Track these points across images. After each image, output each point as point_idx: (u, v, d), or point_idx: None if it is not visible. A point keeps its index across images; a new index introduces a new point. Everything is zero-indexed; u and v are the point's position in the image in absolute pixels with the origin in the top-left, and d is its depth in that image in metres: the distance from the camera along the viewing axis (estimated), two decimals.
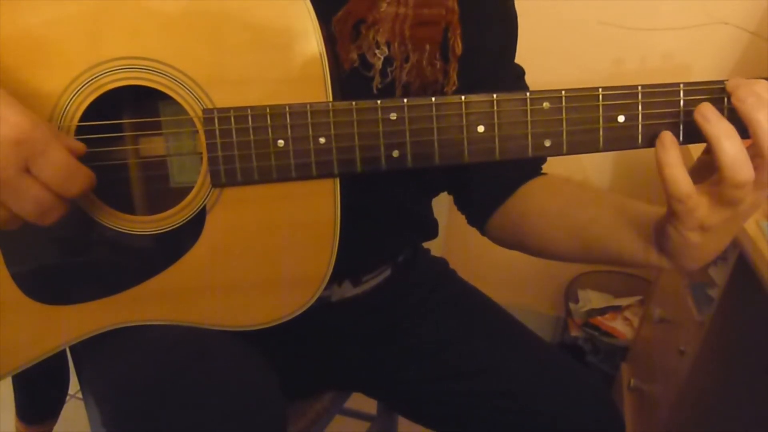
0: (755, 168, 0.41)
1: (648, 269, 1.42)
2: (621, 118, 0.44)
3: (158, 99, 0.48)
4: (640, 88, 0.43)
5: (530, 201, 0.62)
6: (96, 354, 0.55)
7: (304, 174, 0.46)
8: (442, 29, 0.56)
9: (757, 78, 0.42)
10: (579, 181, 0.62)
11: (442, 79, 0.57)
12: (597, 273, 1.50)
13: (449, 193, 0.71)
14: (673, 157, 0.42)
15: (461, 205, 0.70)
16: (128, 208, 0.49)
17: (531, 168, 0.64)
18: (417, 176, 0.64)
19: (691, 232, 0.44)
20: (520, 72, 0.66)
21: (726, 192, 0.41)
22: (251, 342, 0.51)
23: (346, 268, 0.49)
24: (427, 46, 0.55)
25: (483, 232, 0.68)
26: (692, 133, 0.43)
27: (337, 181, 0.47)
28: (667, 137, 0.43)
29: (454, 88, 0.57)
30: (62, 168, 0.41)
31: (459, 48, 0.57)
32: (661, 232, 0.46)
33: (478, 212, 0.67)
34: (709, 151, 0.42)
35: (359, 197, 0.50)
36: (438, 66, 0.56)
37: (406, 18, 0.54)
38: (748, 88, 0.40)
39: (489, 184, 0.64)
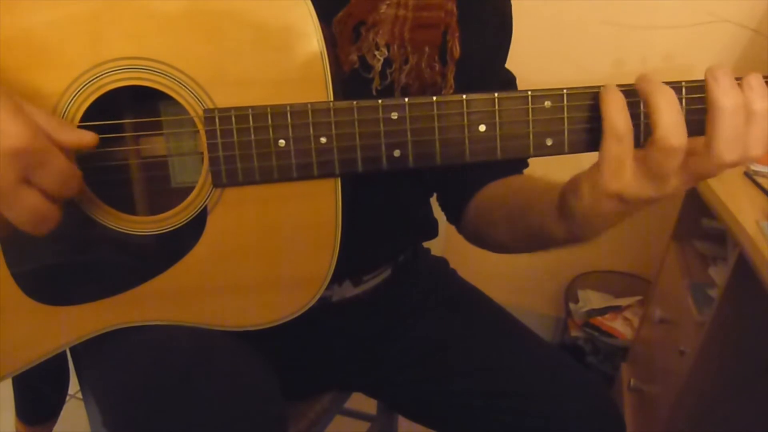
0: (695, 154, 0.40)
1: (648, 268, 1.43)
2: None
3: (159, 99, 0.48)
4: None
5: (484, 199, 0.64)
6: (96, 354, 0.55)
7: (305, 174, 0.46)
8: (441, 32, 0.56)
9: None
10: (532, 175, 0.62)
11: (440, 82, 0.57)
12: (597, 273, 1.50)
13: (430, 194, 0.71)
14: (617, 95, 0.41)
15: (440, 204, 0.71)
16: (129, 208, 0.49)
17: (500, 168, 0.64)
18: (417, 176, 0.64)
19: (608, 199, 0.42)
20: (510, 78, 0.67)
21: (654, 157, 0.40)
22: (251, 342, 0.51)
23: (346, 267, 0.49)
24: (426, 49, 0.56)
25: (459, 231, 0.69)
26: (694, 131, 0.42)
27: (338, 181, 0.47)
28: (610, 85, 0.42)
29: (451, 91, 0.58)
30: (61, 176, 0.40)
31: (457, 51, 0.57)
32: (574, 192, 0.45)
33: (451, 212, 0.68)
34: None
35: (359, 197, 0.50)
36: (436, 68, 0.57)
37: (406, 20, 0.54)
38: (725, 72, 0.40)
39: (457, 186, 0.65)
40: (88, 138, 0.43)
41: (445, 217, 0.72)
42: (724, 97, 0.40)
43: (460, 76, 0.58)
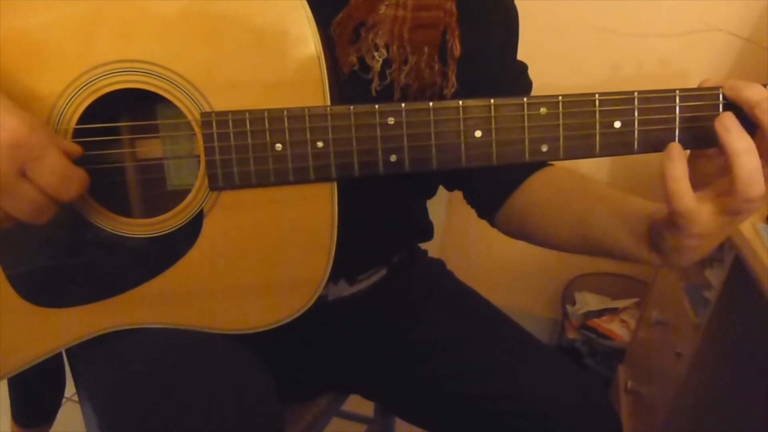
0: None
1: (645, 270, 1.43)
2: (617, 124, 0.44)
3: (156, 102, 0.48)
4: (636, 93, 0.43)
5: (533, 194, 0.62)
6: (92, 356, 0.54)
7: (301, 178, 0.46)
8: (440, 32, 0.56)
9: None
10: (581, 173, 0.61)
11: (440, 81, 0.57)
12: (594, 275, 1.50)
13: (449, 189, 0.70)
14: (680, 170, 0.41)
15: (470, 200, 0.70)
16: (125, 210, 0.49)
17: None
18: (412, 179, 0.64)
19: (689, 239, 0.44)
20: (522, 68, 0.66)
21: (735, 205, 0.41)
22: (248, 344, 0.51)
23: (341, 267, 0.50)
24: (426, 49, 0.56)
25: (492, 225, 0.68)
26: (688, 140, 0.43)
27: (335, 185, 0.47)
28: (675, 150, 0.42)
29: (453, 90, 0.58)
30: (58, 172, 0.41)
31: (457, 50, 0.57)
32: (658, 233, 0.46)
33: (487, 207, 0.67)
34: (697, 156, 0.42)
35: (354, 198, 0.50)
36: (436, 68, 0.57)
37: (405, 21, 0.54)
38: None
39: (495, 180, 0.64)
40: (71, 147, 0.44)
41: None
42: (738, 142, 0.40)
43: (469, 75, 0.58)
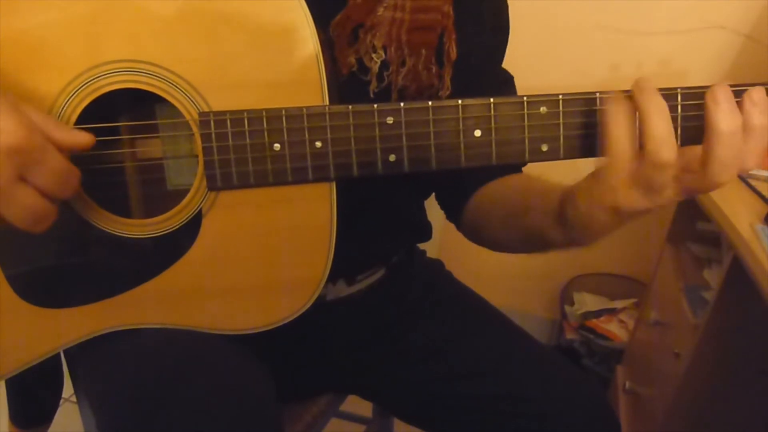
0: (690, 171, 0.40)
1: (643, 270, 1.43)
2: None
3: (155, 102, 0.48)
4: None
5: (483, 197, 0.63)
6: (91, 357, 0.54)
7: (300, 178, 0.46)
8: (438, 34, 0.56)
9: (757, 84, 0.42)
10: (531, 174, 0.62)
11: (437, 84, 0.57)
12: (592, 276, 1.50)
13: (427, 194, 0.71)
14: (621, 109, 0.41)
15: (439, 202, 0.71)
16: (124, 211, 0.49)
17: (499, 168, 0.63)
18: (410, 178, 0.64)
19: (602, 210, 0.42)
20: (507, 77, 0.67)
21: (645, 171, 0.40)
22: (247, 345, 0.51)
23: (339, 267, 0.49)
24: (423, 51, 0.56)
25: (458, 228, 0.69)
26: (689, 137, 0.43)
27: (333, 185, 0.47)
28: (617, 96, 0.42)
29: (447, 93, 0.58)
30: (58, 173, 0.40)
31: (454, 53, 0.57)
32: (571, 202, 0.45)
33: (450, 209, 0.68)
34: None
35: (352, 198, 0.50)
36: (433, 71, 0.57)
37: (403, 23, 0.54)
38: (726, 94, 0.40)
39: (456, 184, 0.65)
40: (84, 138, 0.43)
41: (440, 219, 0.72)
42: (723, 122, 0.39)
43: (457, 78, 0.58)
